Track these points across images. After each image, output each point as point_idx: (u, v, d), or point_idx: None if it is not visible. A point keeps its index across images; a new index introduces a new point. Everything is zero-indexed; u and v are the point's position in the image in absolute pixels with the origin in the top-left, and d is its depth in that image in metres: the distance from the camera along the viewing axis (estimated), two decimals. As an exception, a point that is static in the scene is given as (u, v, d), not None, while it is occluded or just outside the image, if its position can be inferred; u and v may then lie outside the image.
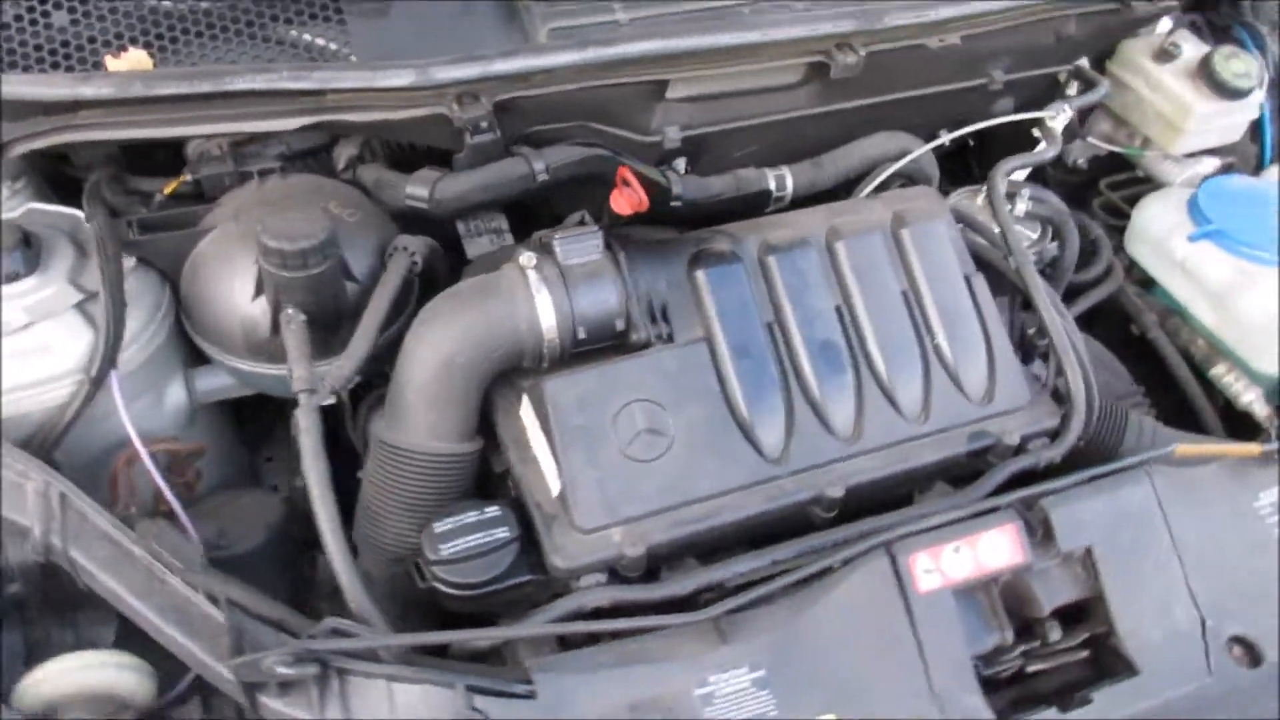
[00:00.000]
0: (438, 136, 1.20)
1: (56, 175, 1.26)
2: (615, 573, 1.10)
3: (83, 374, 1.09)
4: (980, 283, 1.29)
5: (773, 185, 1.41)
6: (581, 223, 1.25)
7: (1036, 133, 1.46)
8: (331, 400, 1.23)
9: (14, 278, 1.11)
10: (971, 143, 1.67)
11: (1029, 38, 1.42)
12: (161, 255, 1.19)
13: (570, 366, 1.15)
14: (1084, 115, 1.67)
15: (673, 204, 1.36)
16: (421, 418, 1.14)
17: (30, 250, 1.12)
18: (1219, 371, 1.52)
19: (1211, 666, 1.13)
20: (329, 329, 1.16)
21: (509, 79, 1.14)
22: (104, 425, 1.13)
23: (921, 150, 1.40)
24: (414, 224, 1.26)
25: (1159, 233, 1.53)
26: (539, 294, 1.13)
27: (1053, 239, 1.51)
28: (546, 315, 1.13)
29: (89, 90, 1.04)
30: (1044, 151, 1.43)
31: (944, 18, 1.31)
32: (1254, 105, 1.56)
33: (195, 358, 1.26)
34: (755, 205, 1.41)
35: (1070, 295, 1.60)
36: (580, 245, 1.17)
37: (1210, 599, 1.17)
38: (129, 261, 1.17)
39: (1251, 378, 1.49)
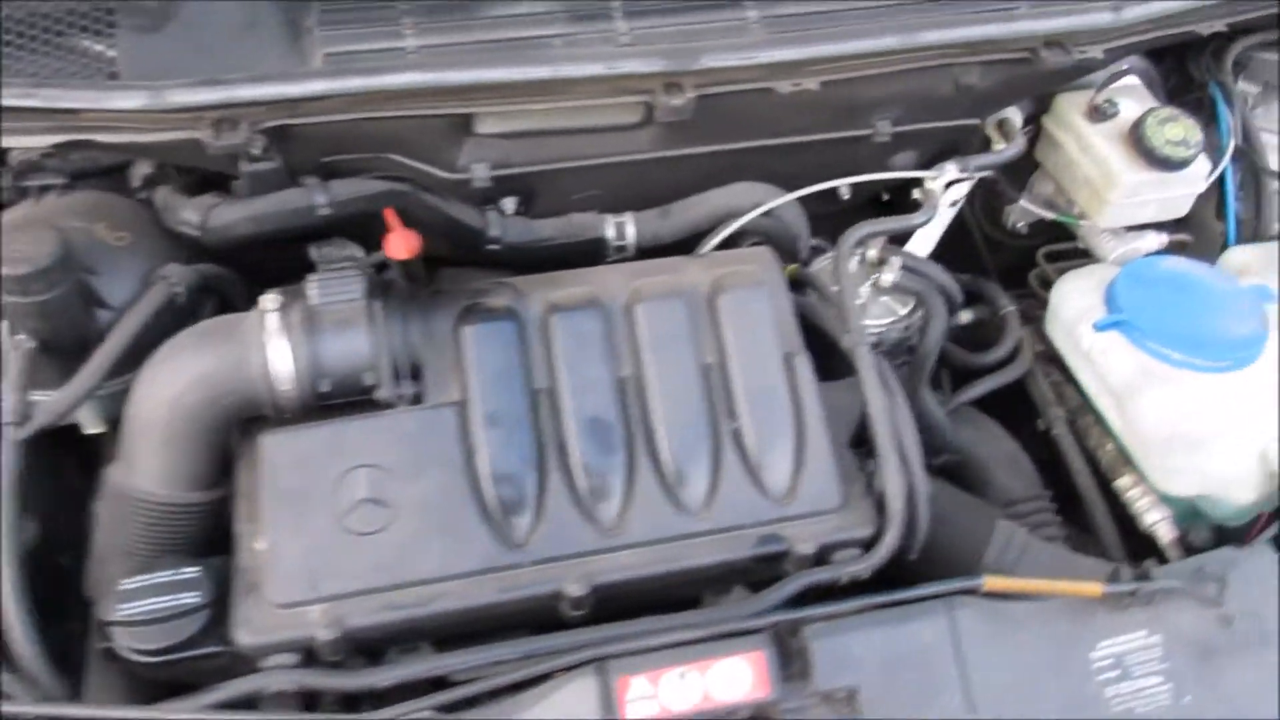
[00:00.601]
0: (213, 161, 1.12)
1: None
2: (313, 654, 1.01)
3: None
4: (802, 363, 1.14)
5: (611, 233, 1.28)
6: (382, 266, 1.16)
7: (917, 194, 1.29)
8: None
9: None
10: (886, 197, 1.50)
11: (921, 86, 1.25)
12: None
13: (305, 421, 1.07)
14: (1022, 174, 1.48)
15: (490, 247, 1.26)
16: (145, 460, 1.07)
17: None
18: (1124, 484, 1.30)
19: (982, 844, 0.97)
20: (74, 358, 1.11)
21: (266, 105, 1.06)
22: None
23: (773, 204, 1.25)
24: (247, 250, 1.19)
25: (1070, 316, 1.33)
26: (274, 340, 1.05)
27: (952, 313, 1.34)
28: (282, 363, 1.05)
29: None
30: (912, 216, 1.26)
31: (794, 59, 1.16)
32: (1196, 178, 1.34)
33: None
34: (593, 254, 1.29)
35: (973, 378, 1.43)
36: (337, 287, 1.08)
37: (999, 762, 1.00)
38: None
39: (1159, 495, 1.28)
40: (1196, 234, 1.45)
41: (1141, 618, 1.08)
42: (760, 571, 1.10)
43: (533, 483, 1.06)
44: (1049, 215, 1.44)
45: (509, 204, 1.27)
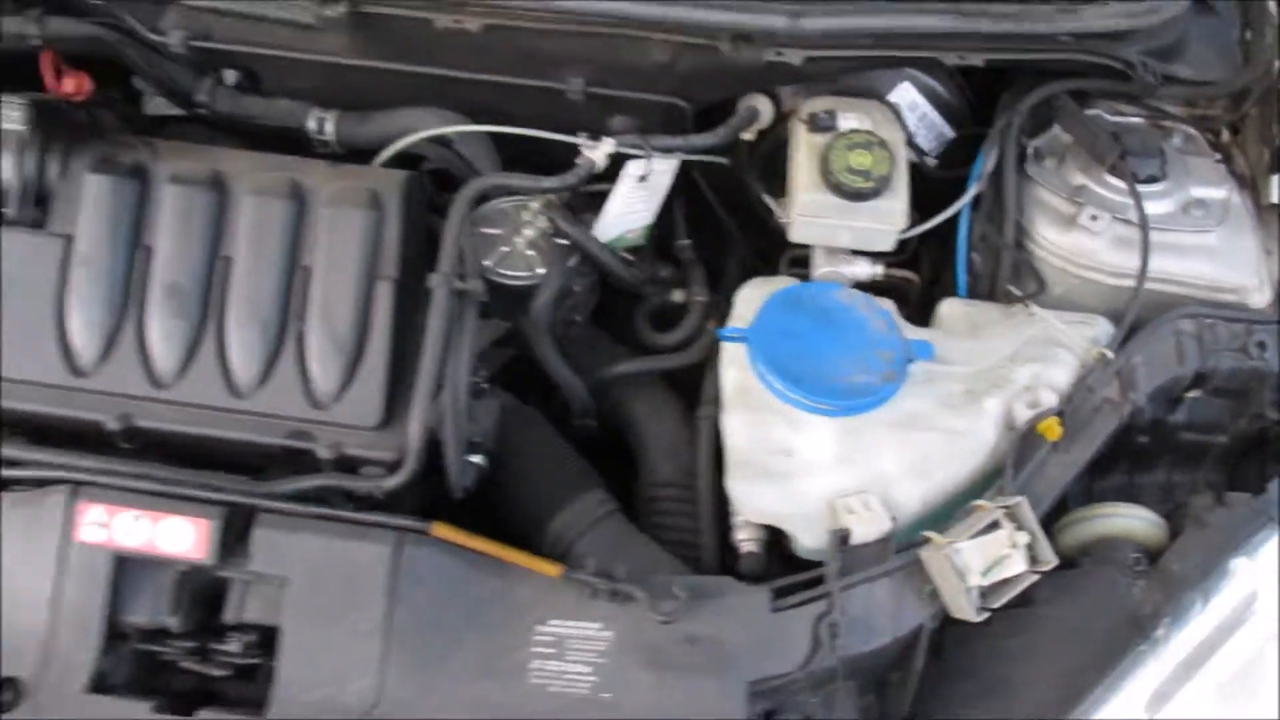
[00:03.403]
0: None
1: None
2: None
3: None
4: (385, 289, 1.19)
5: (312, 125, 1.36)
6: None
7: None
8: None
9: None
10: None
11: (608, 51, 1.24)
12: None
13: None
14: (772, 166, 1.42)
15: (199, 110, 1.36)
16: None
17: None
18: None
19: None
20: None
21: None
22: None
23: (438, 131, 1.29)
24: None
25: (733, 320, 1.31)
26: (-72, 146, 1.21)
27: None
28: (-65, 164, 1.21)
29: None
30: (543, 179, 1.26)
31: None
32: (891, 214, 1.26)
33: None
34: (300, 141, 1.37)
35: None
36: (3, 112, 1.22)
37: (398, 689, 1.08)
38: None
39: (749, 514, 1.27)
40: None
41: (604, 611, 1.11)
42: (295, 462, 1.19)
43: (108, 323, 1.18)
44: (781, 219, 1.40)
45: (230, 76, 1.38)
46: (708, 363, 1.40)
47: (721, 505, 1.29)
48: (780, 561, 1.26)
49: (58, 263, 1.20)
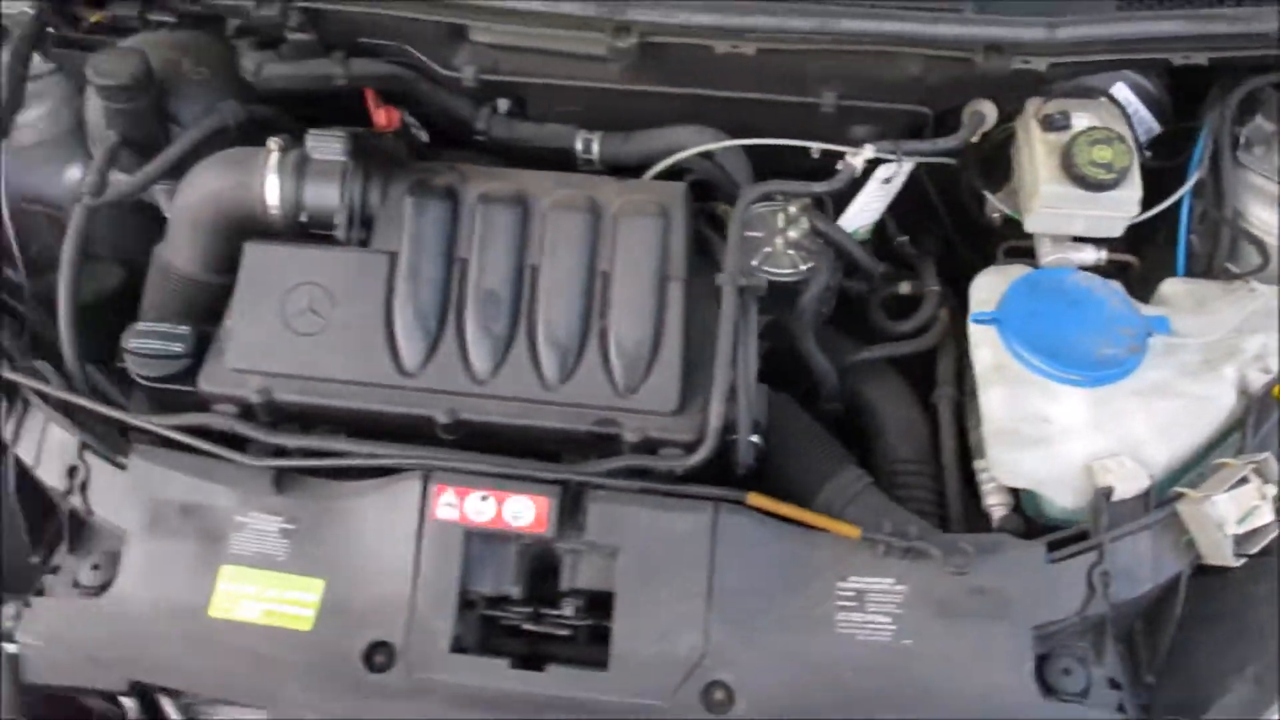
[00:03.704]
0: (265, 25, 1.44)
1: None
2: (251, 410, 1.35)
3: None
4: (676, 289, 1.33)
5: (579, 146, 1.50)
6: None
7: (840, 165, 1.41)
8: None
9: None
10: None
11: (864, 67, 1.37)
12: (72, 69, 1.55)
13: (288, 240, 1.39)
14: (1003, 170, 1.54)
15: (477, 137, 1.51)
16: (176, 243, 1.43)
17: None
18: (979, 465, 1.42)
19: (674, 695, 1.19)
20: (147, 158, 1.47)
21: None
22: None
23: (708, 147, 1.43)
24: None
25: (974, 305, 1.43)
26: (269, 175, 1.36)
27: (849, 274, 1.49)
28: (271, 194, 1.36)
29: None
30: (813, 184, 1.39)
31: (741, 26, 1.31)
32: (1126, 202, 1.38)
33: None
34: (565, 161, 1.52)
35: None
36: (326, 145, 1.38)
37: (722, 642, 1.21)
38: (47, 65, 1.54)
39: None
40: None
41: (897, 567, 1.24)
42: (600, 446, 1.33)
43: (431, 328, 1.33)
44: (1003, 210, 1.52)
45: (503, 104, 1.52)
46: (939, 347, 1.54)
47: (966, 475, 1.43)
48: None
49: (384, 277, 1.35)
